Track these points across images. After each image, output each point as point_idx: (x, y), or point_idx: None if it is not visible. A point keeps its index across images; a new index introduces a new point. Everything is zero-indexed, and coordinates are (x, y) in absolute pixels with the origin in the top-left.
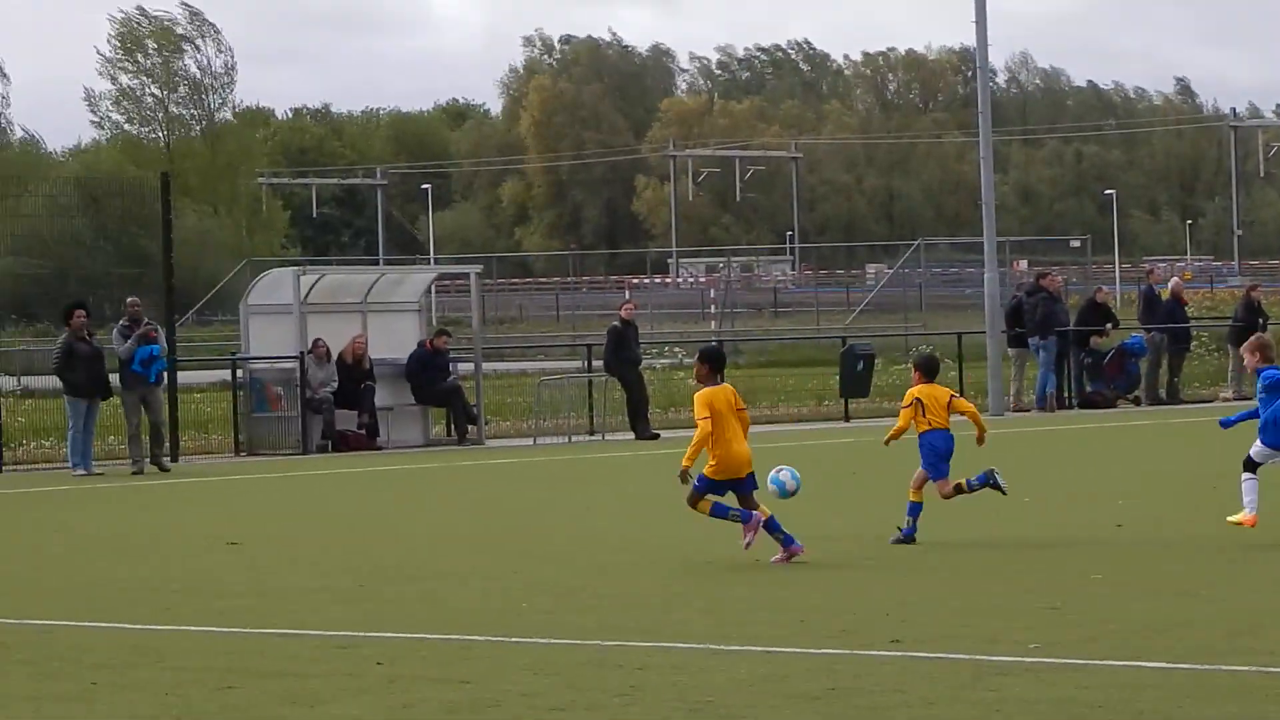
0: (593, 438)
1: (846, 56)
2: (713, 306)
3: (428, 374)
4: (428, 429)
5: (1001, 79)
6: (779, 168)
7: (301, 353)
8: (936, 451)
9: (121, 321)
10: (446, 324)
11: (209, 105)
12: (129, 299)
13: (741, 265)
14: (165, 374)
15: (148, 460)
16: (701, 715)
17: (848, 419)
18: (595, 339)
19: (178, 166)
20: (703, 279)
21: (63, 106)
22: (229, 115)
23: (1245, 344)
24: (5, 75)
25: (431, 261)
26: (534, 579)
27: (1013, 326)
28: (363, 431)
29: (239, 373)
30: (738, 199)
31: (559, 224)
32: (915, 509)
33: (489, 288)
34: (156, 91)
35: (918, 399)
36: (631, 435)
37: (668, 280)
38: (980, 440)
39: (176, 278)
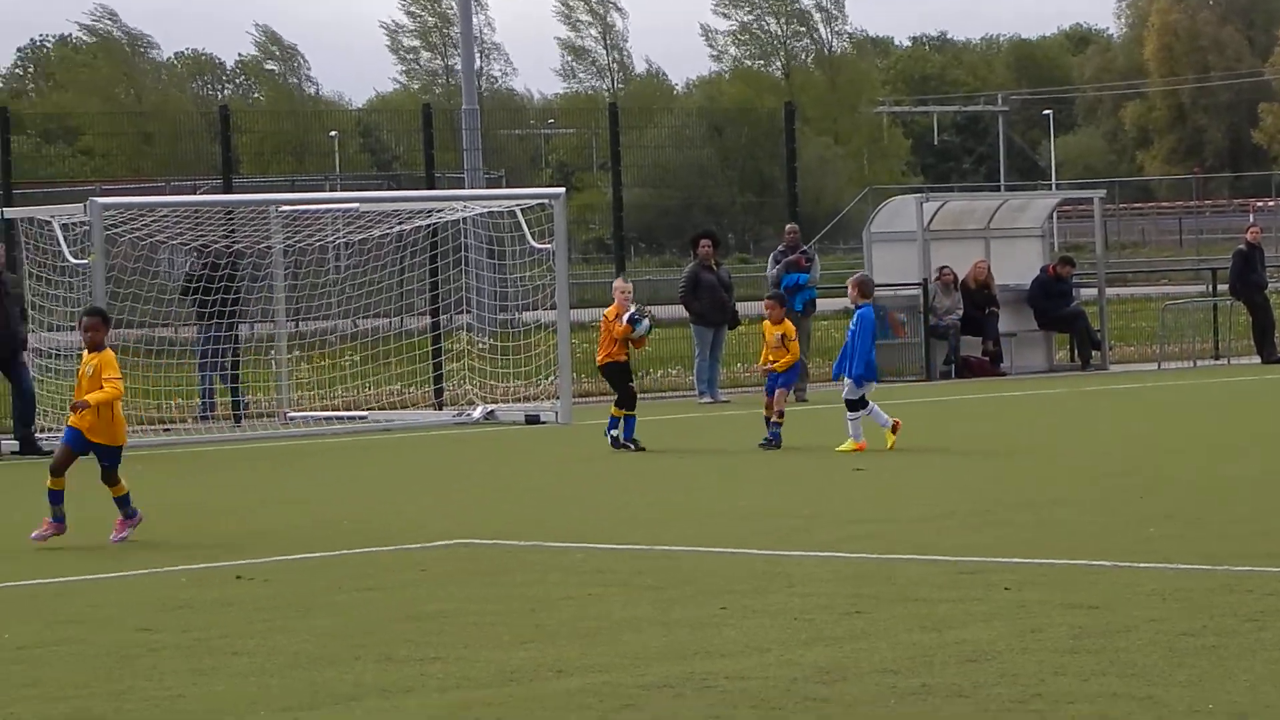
0: (1218, 362)
1: None
2: None
3: (1050, 300)
4: (1051, 354)
5: None
6: None
7: (925, 280)
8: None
9: (779, 247)
10: (1069, 249)
11: (823, 37)
12: (788, 225)
13: None
14: (813, 304)
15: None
16: None
17: None
18: (1219, 263)
19: (796, 97)
20: None
21: (682, 40)
22: (846, 45)
23: (849, 279)
24: (621, 10)
25: (1053, 187)
26: (1160, 504)
27: None
28: (987, 358)
29: None
30: None
31: (1179, 148)
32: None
33: (1111, 212)
34: (771, 25)
35: None
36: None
37: None
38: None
39: (799, 206)
